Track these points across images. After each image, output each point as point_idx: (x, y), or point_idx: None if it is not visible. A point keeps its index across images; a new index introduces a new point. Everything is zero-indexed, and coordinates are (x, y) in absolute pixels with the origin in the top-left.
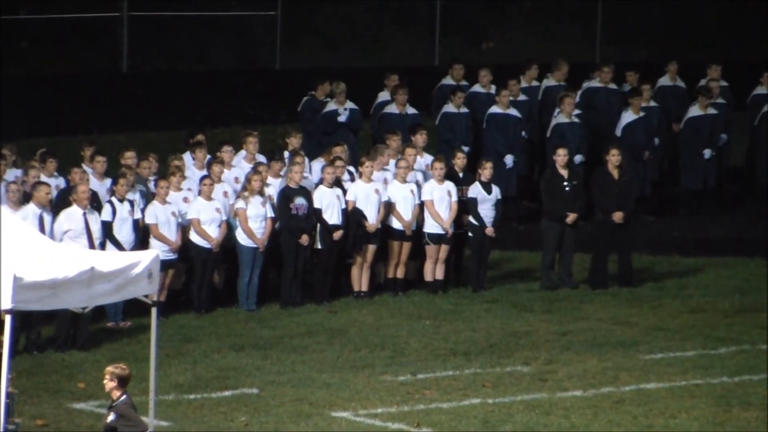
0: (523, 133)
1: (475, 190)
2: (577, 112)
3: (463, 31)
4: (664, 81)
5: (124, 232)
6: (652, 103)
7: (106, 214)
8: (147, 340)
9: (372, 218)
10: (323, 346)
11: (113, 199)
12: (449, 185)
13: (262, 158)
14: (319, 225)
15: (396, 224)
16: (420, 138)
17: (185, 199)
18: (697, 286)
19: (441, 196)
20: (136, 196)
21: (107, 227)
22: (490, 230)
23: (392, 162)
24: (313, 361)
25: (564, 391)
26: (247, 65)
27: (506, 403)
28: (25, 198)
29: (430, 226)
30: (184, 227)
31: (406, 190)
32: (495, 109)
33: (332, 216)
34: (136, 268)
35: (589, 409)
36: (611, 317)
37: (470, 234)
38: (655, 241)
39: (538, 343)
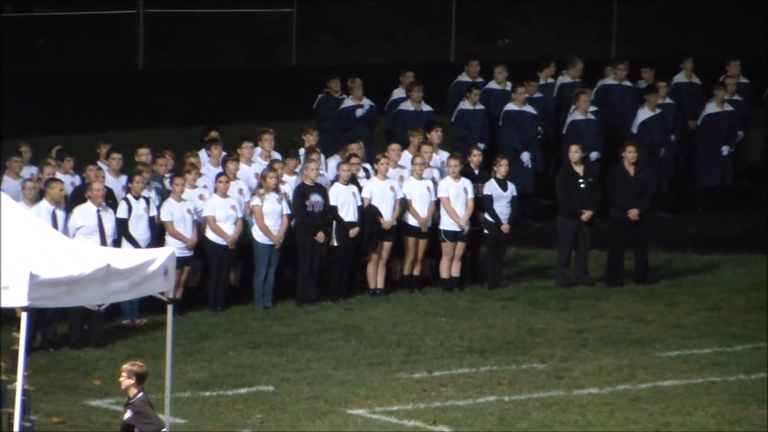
0: (539, 129)
1: (490, 187)
2: (592, 109)
3: (479, 28)
4: (680, 78)
5: (139, 229)
6: (668, 100)
7: (121, 211)
8: (163, 337)
9: (388, 215)
10: (339, 344)
11: (129, 196)
12: (465, 182)
13: (277, 155)
14: (334, 222)
15: (412, 221)
16: (435, 135)
17: (201, 197)
18: (713, 283)
19: (457, 193)
20: (151, 194)
21: (123, 224)
22: (505, 227)
23: (408, 159)
24: (328, 358)
25: (580, 388)
26: (262, 62)
27: (522, 400)
28: (40, 195)
29: (446, 224)
30: (199, 224)
31: (422, 187)
32: (511, 106)
33: (348, 213)
34: (151, 265)
35: (605, 406)
36: (627, 314)
37: (486, 231)
38: (671, 238)
39: (555, 340)
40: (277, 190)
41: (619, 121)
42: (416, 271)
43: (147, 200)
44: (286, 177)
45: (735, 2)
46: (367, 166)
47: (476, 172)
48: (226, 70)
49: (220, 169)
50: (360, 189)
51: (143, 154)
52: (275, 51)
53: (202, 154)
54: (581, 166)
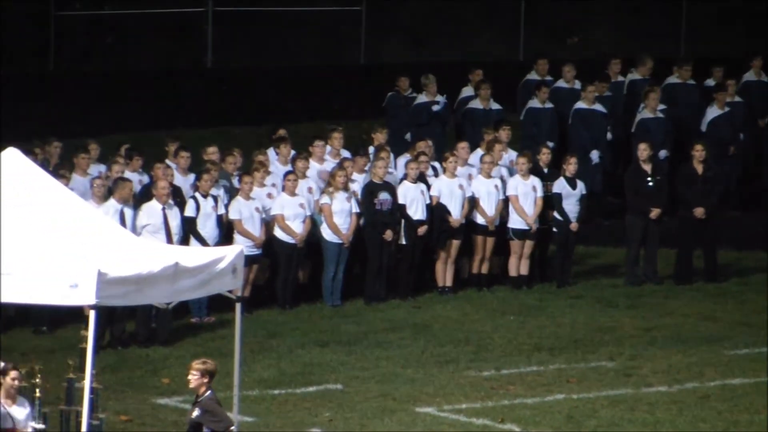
0: (609, 128)
1: (559, 186)
2: (661, 107)
3: (548, 26)
4: (749, 76)
5: (207, 227)
6: (737, 99)
7: (189, 209)
8: (231, 335)
9: (456, 213)
10: (407, 342)
11: (197, 194)
12: (534, 180)
13: (347, 154)
14: (403, 220)
15: (480, 219)
16: (504, 133)
17: (269, 195)
18: None
19: (526, 192)
20: (219, 192)
21: (191, 223)
22: (574, 225)
23: (477, 157)
24: (397, 356)
25: (648, 386)
26: (331, 61)
27: (590, 398)
28: (108, 193)
29: (515, 222)
30: (268, 223)
31: (490, 186)
32: (580, 104)
33: (416, 211)
34: (220, 263)
35: (673, 404)
36: (696, 313)
37: (555, 229)
38: (741, 236)
39: (623, 338)
40: (346, 188)
41: (684, 120)
42: (484, 269)
43: (215, 198)
44: (355, 175)
45: None
46: (436, 164)
47: (545, 170)
48: (295, 69)
49: (288, 168)
50: (428, 187)
51: (212, 153)
52: (344, 49)
53: (271, 152)
54: (650, 164)
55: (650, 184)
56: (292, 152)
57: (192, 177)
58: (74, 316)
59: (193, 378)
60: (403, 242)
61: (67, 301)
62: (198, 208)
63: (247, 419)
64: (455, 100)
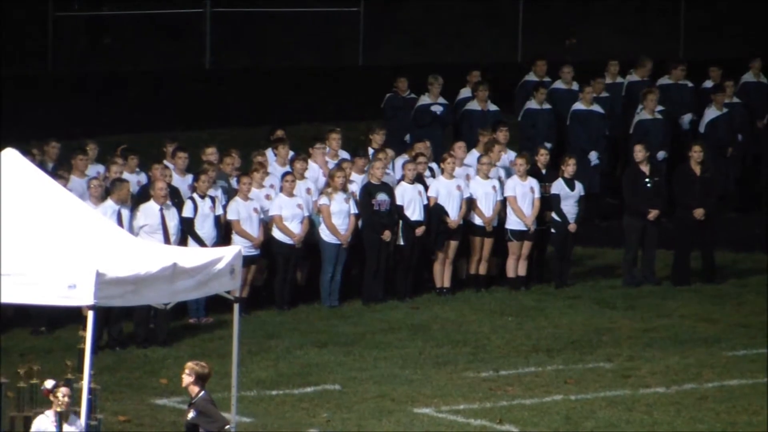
0: (607, 129)
1: (558, 187)
2: (660, 108)
3: (546, 28)
4: (748, 77)
5: (205, 228)
6: (736, 100)
7: (187, 210)
8: (229, 336)
9: (454, 214)
10: (405, 343)
11: (194, 195)
12: (532, 182)
13: (345, 154)
14: (401, 221)
15: (478, 220)
16: (502, 134)
17: (267, 196)
18: None
19: (524, 193)
20: (217, 193)
21: (189, 223)
22: (572, 227)
23: (474, 158)
24: (395, 357)
25: (646, 387)
26: (329, 62)
27: (589, 399)
28: (105, 193)
29: (513, 223)
30: (266, 224)
31: (488, 187)
32: (579, 105)
33: (414, 212)
34: (218, 264)
35: (671, 405)
36: (694, 314)
37: (553, 230)
38: (738, 237)
39: (621, 339)
40: (344, 189)
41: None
42: (482, 270)
43: (213, 199)
44: (354, 176)
45: None
46: (434, 165)
47: (543, 171)
48: (293, 70)
49: (286, 169)
50: (426, 188)
51: (210, 153)
52: (342, 50)
53: (269, 153)
54: (647, 165)
55: (648, 185)
56: (291, 153)
57: (190, 178)
58: (72, 316)
59: (185, 377)
60: (401, 243)
61: (66, 301)
62: (195, 209)
63: (244, 420)
64: (453, 102)
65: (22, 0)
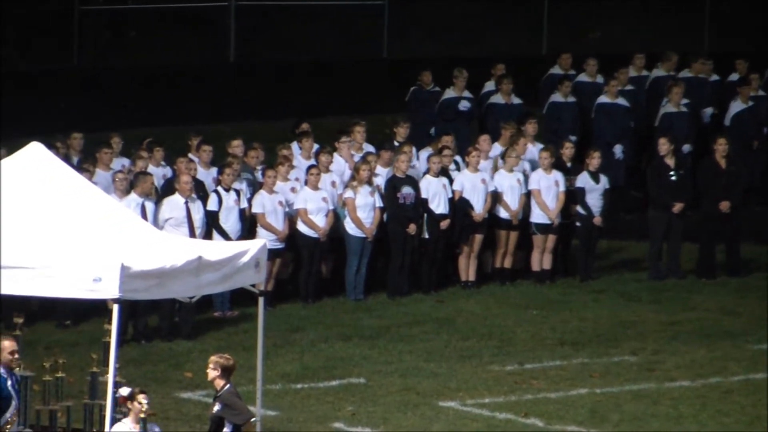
0: (632, 122)
1: (582, 180)
2: (685, 101)
3: (571, 21)
4: None
5: (230, 221)
6: (761, 92)
7: (212, 203)
8: (254, 329)
9: (479, 208)
10: (430, 336)
11: (219, 188)
12: (557, 175)
13: (370, 148)
14: (426, 214)
15: (503, 214)
16: (531, 127)
17: (292, 189)
18: None
19: (548, 186)
20: (242, 186)
21: (213, 217)
22: (597, 220)
23: (496, 152)
24: (420, 350)
25: (672, 381)
26: (354, 55)
27: (614, 392)
28: (130, 187)
29: (537, 216)
30: (291, 217)
31: (513, 180)
32: (604, 98)
33: (439, 205)
34: (243, 257)
35: (697, 399)
36: (719, 307)
37: (578, 224)
38: (764, 230)
39: (646, 332)
40: (370, 182)
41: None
42: (507, 264)
43: (237, 192)
44: (380, 169)
45: None
46: (458, 158)
47: (568, 164)
48: (318, 63)
49: (311, 162)
50: (451, 181)
51: (235, 146)
52: (366, 44)
53: (294, 146)
54: (672, 158)
55: (673, 178)
56: (316, 146)
57: (214, 171)
58: (97, 309)
59: (210, 371)
60: (426, 236)
61: (91, 294)
62: (220, 202)
63: (269, 413)
64: (477, 95)
65: None
